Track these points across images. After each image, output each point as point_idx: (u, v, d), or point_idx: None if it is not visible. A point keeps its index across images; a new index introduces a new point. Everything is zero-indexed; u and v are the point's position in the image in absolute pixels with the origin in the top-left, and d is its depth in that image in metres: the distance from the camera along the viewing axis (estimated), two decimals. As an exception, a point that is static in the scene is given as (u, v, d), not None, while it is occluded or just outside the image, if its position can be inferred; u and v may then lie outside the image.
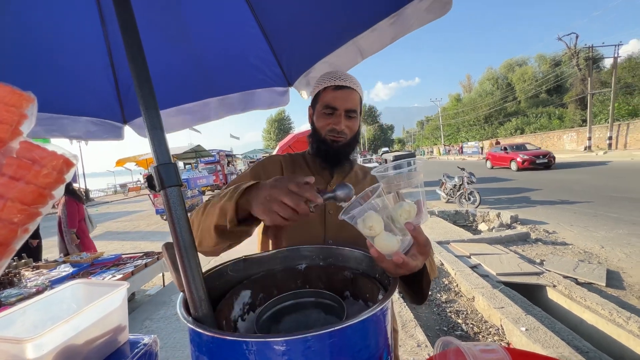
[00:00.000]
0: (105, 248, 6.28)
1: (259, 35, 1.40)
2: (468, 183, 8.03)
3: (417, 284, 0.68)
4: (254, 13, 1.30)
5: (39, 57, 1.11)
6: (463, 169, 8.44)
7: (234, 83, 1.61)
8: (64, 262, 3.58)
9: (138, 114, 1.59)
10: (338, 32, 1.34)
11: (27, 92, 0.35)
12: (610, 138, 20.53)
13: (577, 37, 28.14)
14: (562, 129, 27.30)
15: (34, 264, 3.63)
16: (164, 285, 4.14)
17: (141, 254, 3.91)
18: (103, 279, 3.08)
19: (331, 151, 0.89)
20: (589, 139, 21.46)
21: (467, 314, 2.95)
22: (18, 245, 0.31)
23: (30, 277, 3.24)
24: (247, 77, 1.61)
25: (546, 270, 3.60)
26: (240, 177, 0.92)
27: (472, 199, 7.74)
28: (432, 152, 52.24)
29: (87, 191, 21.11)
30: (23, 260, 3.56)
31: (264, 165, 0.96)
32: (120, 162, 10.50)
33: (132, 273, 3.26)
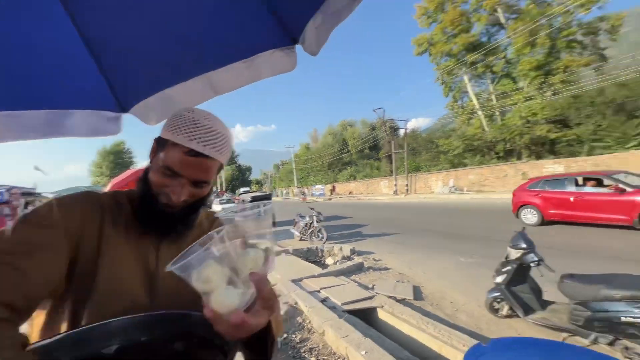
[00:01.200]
0: None
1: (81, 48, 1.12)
2: (317, 221, 8.93)
3: (261, 345, 0.59)
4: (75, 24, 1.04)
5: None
6: (312, 209, 9.38)
7: (38, 95, 1.19)
8: None
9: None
10: (188, 65, 1.26)
11: None
12: (407, 185, 28.43)
13: (384, 111, 38.60)
14: (379, 177, 35.77)
15: None
16: None
17: None
18: None
19: (160, 215, 0.67)
20: (395, 185, 28.94)
21: (319, 349, 3.05)
22: None
23: None
24: (59, 93, 1.23)
25: (377, 293, 4.30)
26: (43, 224, 0.58)
27: (320, 235, 8.60)
28: (287, 193, 56.04)
29: None
30: None
31: (78, 207, 0.64)
32: None
33: None
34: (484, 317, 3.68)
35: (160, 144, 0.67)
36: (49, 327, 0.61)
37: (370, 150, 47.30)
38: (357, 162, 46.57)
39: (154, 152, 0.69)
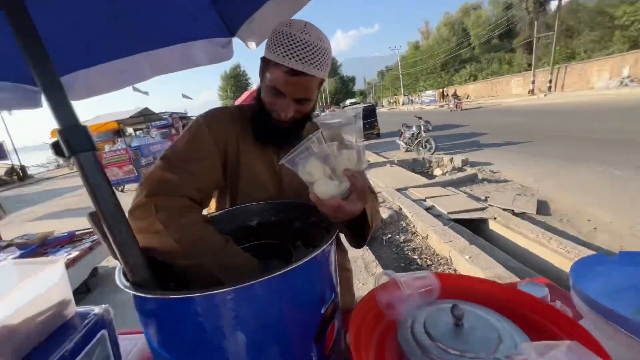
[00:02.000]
0: (58, 227, 5.84)
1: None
2: (425, 131, 8.38)
3: (359, 229, 0.72)
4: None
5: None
6: (420, 118, 8.73)
7: (166, 35, 1.42)
8: (9, 245, 3.29)
9: (61, 74, 1.39)
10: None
11: None
12: (550, 81, 22.12)
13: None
14: (510, 74, 28.79)
15: None
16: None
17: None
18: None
19: (273, 130, 0.77)
20: (533, 82, 22.94)
21: (422, 250, 3.28)
22: None
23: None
24: (181, 28, 1.43)
25: (489, 205, 4.05)
26: (197, 135, 0.77)
27: (428, 146, 8.15)
28: (394, 103, 52.47)
29: (23, 168, 18.79)
30: (-43, 249, 3.22)
31: (219, 121, 0.80)
32: (55, 133, 9.32)
33: (90, 249, 3.11)
34: (638, 241, 3.04)
35: (265, 63, 0.72)
36: (218, 208, 0.89)
37: (500, 40, 37.39)
38: (479, 58, 38.11)
39: (262, 72, 0.76)
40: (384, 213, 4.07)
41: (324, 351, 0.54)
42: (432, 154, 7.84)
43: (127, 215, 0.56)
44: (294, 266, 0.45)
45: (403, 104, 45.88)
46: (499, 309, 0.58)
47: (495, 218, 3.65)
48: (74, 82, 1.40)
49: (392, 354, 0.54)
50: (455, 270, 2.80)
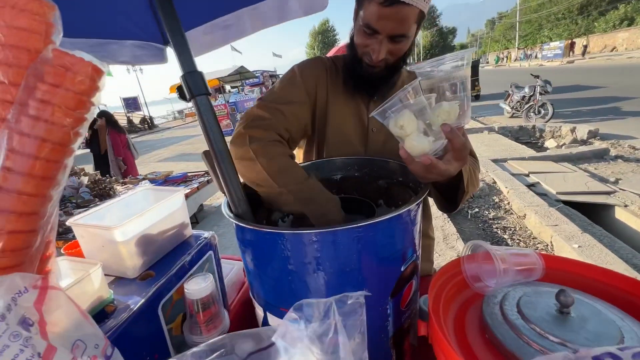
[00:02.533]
0: (176, 167, 7.16)
1: None
2: (541, 94, 6.93)
3: (452, 192, 0.66)
4: None
5: None
6: (537, 77, 7.19)
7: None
8: (144, 179, 4.21)
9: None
10: None
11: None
12: None
13: None
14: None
15: (121, 180, 4.35)
16: (226, 199, 4.74)
17: (203, 172, 4.40)
18: (176, 193, 3.61)
19: (365, 76, 0.75)
20: None
21: (514, 230, 2.91)
22: (75, 146, 0.36)
23: (121, 191, 3.93)
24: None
25: (620, 189, 3.24)
26: (292, 86, 0.81)
27: (542, 112, 6.77)
28: (504, 59, 43.54)
29: (151, 118, 23.12)
30: (114, 177, 4.28)
31: (311, 72, 0.82)
32: (173, 89, 11.02)
33: (198, 188, 3.74)
34: None
35: (359, 3, 0.70)
36: (305, 159, 0.93)
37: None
38: (642, -6, 28.01)
39: (355, 14, 0.73)
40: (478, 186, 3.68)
41: (400, 306, 0.54)
42: (546, 121, 6.52)
43: (229, 143, 0.65)
44: (377, 220, 0.45)
45: (515, 60, 38.11)
46: (620, 304, 0.48)
47: (626, 205, 2.92)
48: (192, 41, 1.57)
49: (473, 326, 0.51)
50: (555, 258, 2.42)
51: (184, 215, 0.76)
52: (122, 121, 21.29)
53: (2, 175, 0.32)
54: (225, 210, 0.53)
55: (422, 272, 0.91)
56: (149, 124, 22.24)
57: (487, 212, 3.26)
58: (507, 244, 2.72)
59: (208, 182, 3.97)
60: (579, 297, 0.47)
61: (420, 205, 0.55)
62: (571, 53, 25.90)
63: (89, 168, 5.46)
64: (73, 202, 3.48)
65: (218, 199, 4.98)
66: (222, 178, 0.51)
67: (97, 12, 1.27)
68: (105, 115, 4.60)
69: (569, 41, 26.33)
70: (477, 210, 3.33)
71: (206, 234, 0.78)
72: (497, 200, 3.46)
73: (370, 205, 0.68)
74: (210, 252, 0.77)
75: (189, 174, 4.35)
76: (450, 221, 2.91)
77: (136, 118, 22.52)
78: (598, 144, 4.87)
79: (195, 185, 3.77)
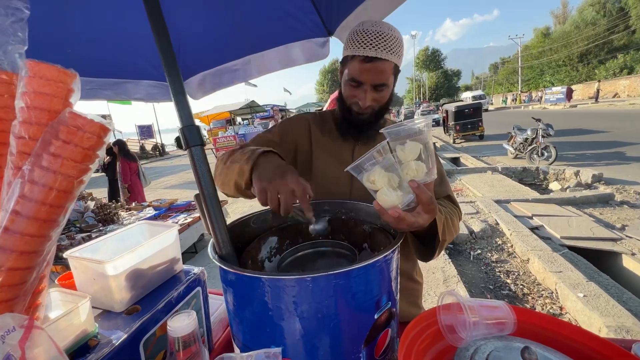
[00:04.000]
0: (181, 195, 7.27)
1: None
2: (543, 136, 7.05)
3: (430, 241, 0.69)
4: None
5: (100, 30, 1.23)
6: (539, 120, 7.37)
7: (273, 37, 1.60)
8: (149, 206, 4.29)
9: (189, 76, 1.72)
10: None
11: (70, 69, 0.43)
12: None
13: None
14: (691, 65, 21.21)
15: (127, 206, 4.42)
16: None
17: (207, 202, 4.47)
18: (177, 222, 3.65)
19: (355, 122, 0.85)
20: None
21: (518, 274, 2.83)
22: (77, 193, 0.41)
23: (125, 216, 3.99)
24: (285, 30, 1.58)
25: (627, 236, 3.17)
26: (269, 132, 0.95)
27: (546, 154, 6.84)
28: (504, 101, 44.90)
29: (162, 146, 23.90)
30: (119, 203, 4.36)
31: (291, 124, 0.96)
32: (187, 119, 11.52)
33: (200, 217, 3.78)
34: None
35: (343, 63, 0.83)
36: None
37: (679, 19, 27.86)
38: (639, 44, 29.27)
39: (341, 73, 0.86)
40: (476, 226, 3.65)
41: (374, 355, 0.55)
42: (550, 164, 6.56)
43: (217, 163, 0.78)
44: (351, 268, 0.47)
45: (518, 102, 39.10)
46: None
47: (633, 254, 2.84)
48: (196, 83, 1.71)
49: (445, 379, 0.51)
50: (561, 308, 2.32)
51: (176, 250, 0.79)
52: (135, 147, 22.06)
53: (10, 217, 0.37)
54: (210, 251, 0.57)
55: (407, 317, 0.90)
56: (160, 151, 22.95)
57: (489, 254, 3.20)
58: (510, 289, 2.64)
59: (211, 211, 4.02)
60: (546, 354, 0.48)
61: (396, 252, 0.58)
62: (568, 98, 26.57)
63: (103, 192, 5.58)
64: (77, 227, 3.53)
65: (219, 228, 4.97)
66: (209, 220, 0.55)
67: (116, 53, 1.42)
68: (118, 144, 4.81)
69: (567, 89, 27.18)
70: (479, 252, 3.27)
71: (196, 270, 0.81)
72: (500, 242, 3.41)
73: (353, 250, 0.71)
74: (199, 288, 0.79)
75: (192, 203, 4.41)
76: (451, 263, 2.86)
77: (149, 145, 23.33)
78: (603, 189, 4.84)
79: (198, 215, 3.81)
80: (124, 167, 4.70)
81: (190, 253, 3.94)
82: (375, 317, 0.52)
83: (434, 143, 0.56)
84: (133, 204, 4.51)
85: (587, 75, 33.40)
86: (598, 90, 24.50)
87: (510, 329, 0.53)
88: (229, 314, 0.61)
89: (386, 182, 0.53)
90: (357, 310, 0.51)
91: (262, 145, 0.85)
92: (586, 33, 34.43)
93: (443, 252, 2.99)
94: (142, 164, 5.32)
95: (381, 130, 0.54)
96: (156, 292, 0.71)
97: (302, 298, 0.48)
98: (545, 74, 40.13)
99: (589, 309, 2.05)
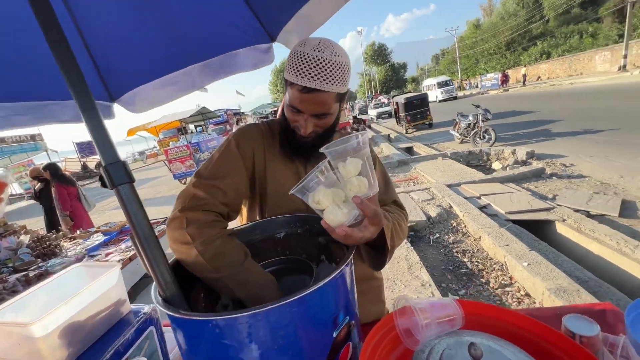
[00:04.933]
0: (133, 214, 6.72)
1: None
2: (483, 121, 7.69)
3: (381, 251, 0.71)
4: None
5: (13, 49, 1.08)
6: (478, 106, 8.02)
7: (214, 46, 1.53)
8: (96, 231, 3.91)
9: (124, 91, 1.58)
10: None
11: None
12: (649, 53, 18.40)
13: None
14: (594, 49, 24.55)
15: (70, 235, 3.99)
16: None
17: (163, 219, 4.18)
18: (131, 246, 3.37)
19: (299, 145, 0.81)
20: (625, 56, 19.31)
21: (473, 252, 3.07)
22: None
23: (69, 247, 3.59)
24: (226, 38, 1.52)
25: (557, 205, 3.59)
26: (226, 155, 0.82)
27: (487, 137, 7.48)
28: (459, 87, 47.63)
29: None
30: (61, 233, 3.92)
31: (246, 138, 0.85)
32: (131, 132, 10.67)
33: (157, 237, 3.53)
34: None
35: (285, 82, 0.76)
36: (248, 220, 0.94)
37: (582, 9, 32.05)
38: (554, 33, 33.16)
39: (285, 91, 0.79)
40: (432, 211, 3.88)
41: (337, 372, 0.55)
42: (491, 146, 7.18)
43: (166, 225, 0.65)
44: (303, 294, 0.47)
45: (462, 89, 42.15)
46: (530, 347, 0.53)
47: (564, 220, 3.23)
48: (135, 97, 1.58)
49: (406, 384, 0.53)
50: (510, 278, 2.56)
51: (121, 291, 0.72)
52: (76, 167, 19.91)
53: None
54: (153, 295, 0.53)
55: (372, 316, 0.93)
56: (69, 180, 20.96)
57: (447, 237, 3.42)
58: (467, 267, 2.85)
59: (168, 229, 3.77)
60: (491, 344, 0.52)
61: (350, 266, 0.58)
62: (505, 84, 29.33)
63: (40, 221, 4.94)
64: (9, 267, 3.10)
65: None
66: (147, 263, 0.51)
67: (36, 73, 1.26)
68: (49, 168, 4.31)
69: (503, 74, 29.97)
70: (438, 235, 3.48)
71: (146, 309, 0.75)
72: (455, 224, 3.66)
73: (309, 265, 0.71)
74: (152, 327, 0.73)
75: (169, 229, 4.11)
76: (413, 250, 3.01)
77: (91, 163, 21.22)
78: (535, 164, 5.42)
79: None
80: (60, 193, 4.22)
81: (149, 277, 3.67)
82: (334, 335, 0.53)
83: (376, 154, 0.55)
84: (78, 232, 4.08)
85: (514, 61, 37.09)
86: (524, 75, 27.33)
87: (460, 323, 0.57)
88: (182, 356, 0.57)
89: (331, 201, 0.53)
90: (314, 332, 0.51)
91: (229, 181, 0.77)
92: (510, 23, 38.20)
93: (405, 240, 3.14)
94: (84, 185, 4.83)
95: (321, 150, 0.54)
96: (100, 343, 0.64)
97: (258, 331, 0.47)
98: (480, 62, 43.81)
99: (532, 276, 2.29)
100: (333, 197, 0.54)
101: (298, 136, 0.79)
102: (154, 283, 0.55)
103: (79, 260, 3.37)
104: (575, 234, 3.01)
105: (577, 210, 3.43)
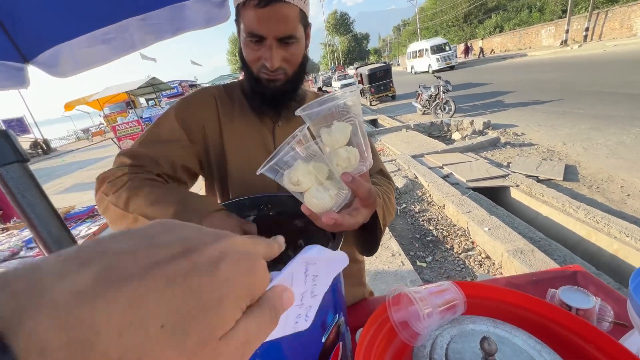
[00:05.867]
0: (79, 200, 6.09)
1: None
2: (444, 92, 7.86)
3: (372, 234, 0.60)
4: None
5: None
6: (439, 78, 8.16)
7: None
8: (34, 220, 3.45)
9: (41, 50, 1.28)
10: None
11: None
12: (587, 29, 19.89)
13: None
14: (540, 23, 25.98)
15: (1, 225, 3.47)
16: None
17: (115, 203, 3.80)
18: (79, 233, 3.03)
19: (268, 93, 0.68)
20: (567, 31, 20.72)
21: (437, 220, 3.19)
22: None
23: (2, 239, 3.13)
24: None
25: (511, 172, 3.83)
26: (165, 122, 0.72)
27: (447, 108, 7.70)
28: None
29: (46, 141, 19.38)
30: (-12, 224, 3.39)
31: (192, 105, 0.73)
32: (68, 106, 9.41)
33: (108, 224, 3.20)
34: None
35: (237, 17, 0.66)
36: None
37: (532, -17, 33.37)
38: (506, 6, 34.43)
39: (238, 30, 0.67)
40: (399, 182, 3.94)
41: (328, 378, 0.47)
42: (451, 117, 7.42)
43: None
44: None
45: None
46: (534, 328, 0.48)
47: (517, 186, 3.46)
48: (58, 57, 1.29)
49: (406, 383, 0.47)
50: (472, 243, 2.71)
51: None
52: (2, 148, 17.36)
53: None
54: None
55: (354, 298, 0.86)
56: (43, 148, 18.61)
57: (413, 207, 3.52)
58: (433, 235, 2.96)
59: (120, 214, 3.43)
60: (498, 332, 0.46)
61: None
62: (469, 55, 30.27)
63: None
64: None
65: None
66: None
67: None
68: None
69: (465, 45, 30.83)
70: (404, 205, 3.56)
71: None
72: (420, 194, 3.77)
73: (285, 253, 0.60)
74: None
75: (96, 207, 3.71)
76: (382, 221, 3.04)
77: (25, 142, 18.63)
78: (491, 134, 5.71)
79: (104, 221, 3.21)
80: None
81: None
82: (323, 340, 0.44)
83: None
84: (10, 223, 3.56)
85: (471, 34, 38.19)
86: (481, 48, 28.34)
87: (462, 309, 0.51)
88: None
89: (314, 180, 0.41)
90: (302, 340, 0.41)
91: (162, 152, 0.67)
92: (468, -5, 38.82)
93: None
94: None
95: (297, 112, 0.41)
96: None
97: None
98: (439, 34, 44.50)
99: (492, 240, 2.43)
100: (316, 174, 0.41)
101: (265, 82, 0.67)
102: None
103: (14, 254, 2.95)
104: (527, 198, 3.24)
105: (528, 176, 3.69)
